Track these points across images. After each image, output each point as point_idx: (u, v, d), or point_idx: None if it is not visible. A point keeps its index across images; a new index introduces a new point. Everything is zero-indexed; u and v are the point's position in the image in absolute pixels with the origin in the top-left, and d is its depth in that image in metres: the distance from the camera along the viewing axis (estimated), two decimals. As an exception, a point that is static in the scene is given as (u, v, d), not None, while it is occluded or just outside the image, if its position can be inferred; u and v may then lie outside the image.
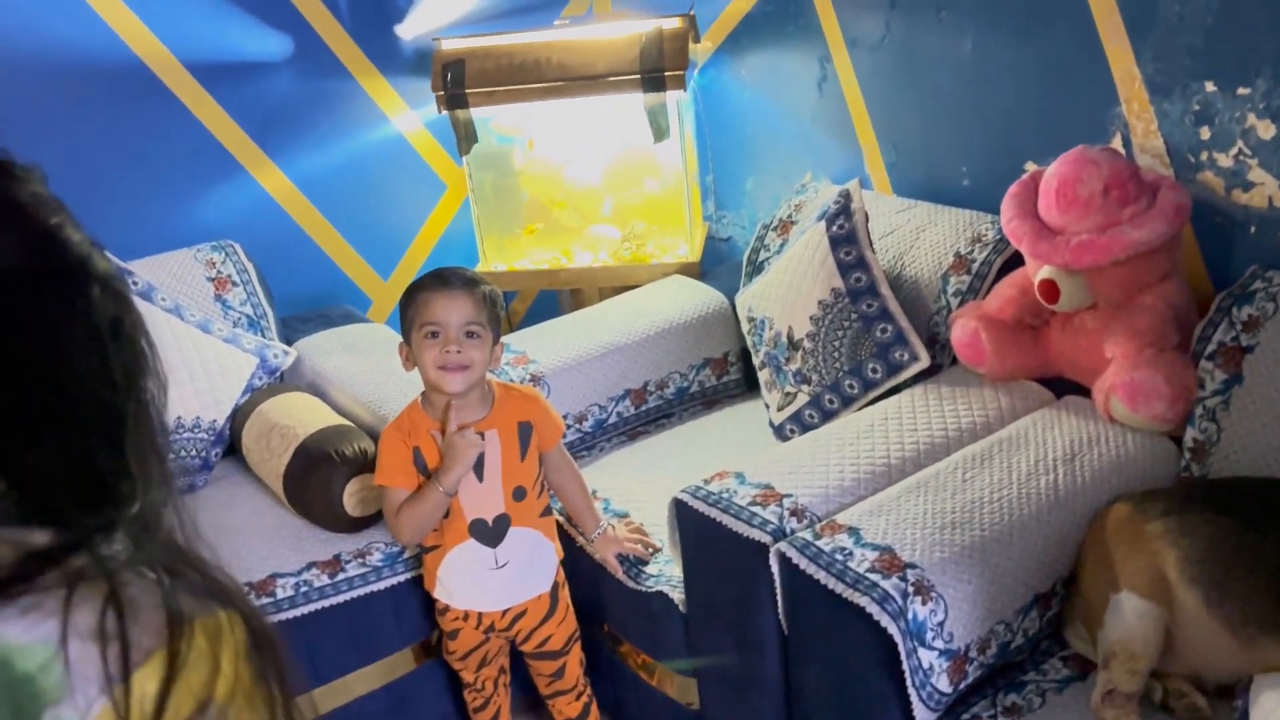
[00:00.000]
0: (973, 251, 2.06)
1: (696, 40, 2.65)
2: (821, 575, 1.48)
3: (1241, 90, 1.75)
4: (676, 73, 2.46)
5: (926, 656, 1.42)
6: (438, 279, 1.72)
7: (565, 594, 1.91)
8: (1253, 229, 1.80)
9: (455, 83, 2.54)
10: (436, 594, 1.85)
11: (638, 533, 1.95)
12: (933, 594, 1.43)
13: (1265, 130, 1.74)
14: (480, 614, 1.84)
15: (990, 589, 1.49)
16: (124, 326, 0.67)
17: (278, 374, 2.35)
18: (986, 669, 1.51)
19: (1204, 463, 1.67)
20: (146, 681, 0.60)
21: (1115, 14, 1.88)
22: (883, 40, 2.31)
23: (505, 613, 1.84)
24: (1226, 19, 1.74)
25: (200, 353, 2.23)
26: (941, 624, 1.44)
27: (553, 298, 3.07)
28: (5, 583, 0.59)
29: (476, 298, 1.71)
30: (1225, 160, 1.81)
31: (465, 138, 2.62)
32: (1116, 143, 1.94)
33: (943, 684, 1.45)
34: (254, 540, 2.02)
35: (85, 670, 0.59)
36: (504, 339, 2.00)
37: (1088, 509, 1.61)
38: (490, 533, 1.78)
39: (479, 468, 1.75)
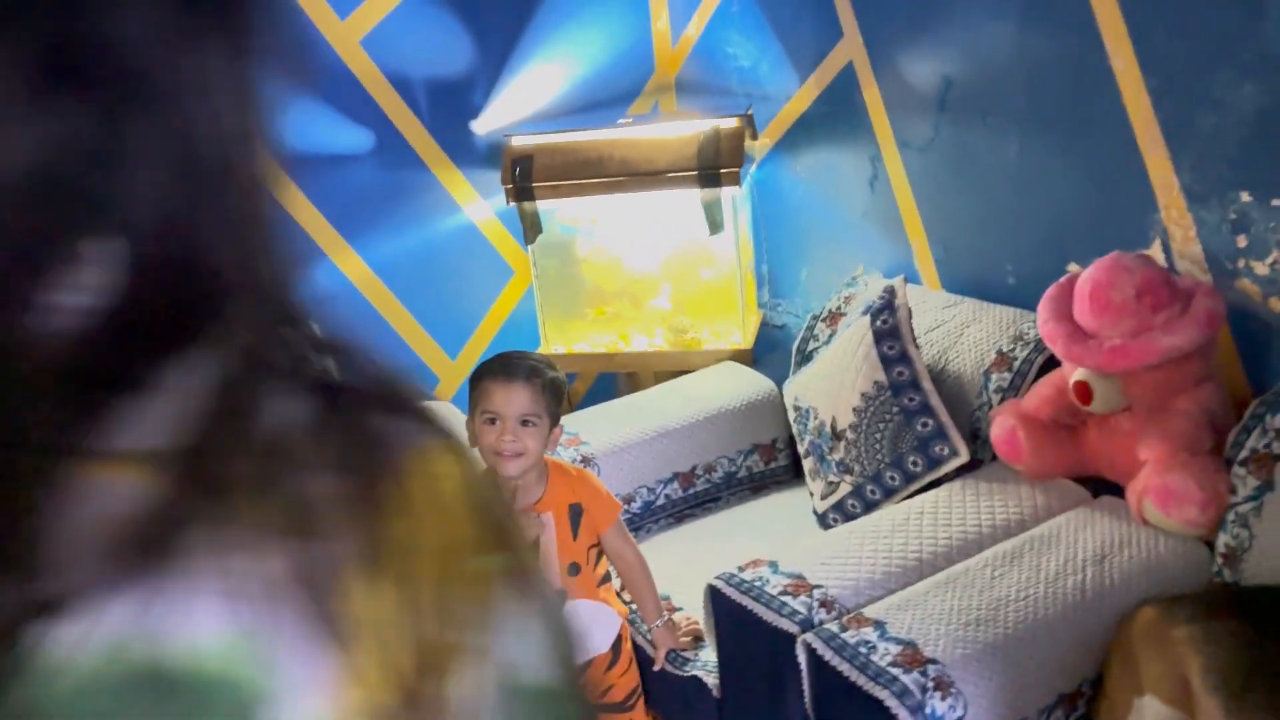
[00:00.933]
0: (1014, 349, 2.10)
1: (754, 138, 2.76)
2: (845, 668, 1.52)
3: (1276, 201, 1.79)
4: (732, 170, 2.57)
5: (945, 754, 1.45)
6: (502, 368, 1.80)
7: (628, 647, 1.96)
8: (1290, 336, 1.82)
9: (523, 176, 2.68)
10: None
11: (694, 628, 2.00)
12: (953, 690, 1.47)
13: (1300, 240, 1.77)
14: None
15: (1013, 687, 1.52)
16: None
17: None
18: (1010, 769, 1.53)
19: (1236, 568, 1.67)
20: (368, 605, 0.41)
21: (1154, 124, 1.94)
22: (932, 142, 2.39)
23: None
24: (1261, 131, 1.78)
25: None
26: (961, 719, 1.47)
27: (611, 379, 3.17)
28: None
29: (535, 388, 1.79)
30: (1262, 268, 1.84)
31: (531, 227, 2.76)
32: (1156, 248, 1.98)
33: (962, 782, 1.47)
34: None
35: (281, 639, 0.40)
36: (563, 419, 2.08)
37: (1116, 611, 1.63)
38: None
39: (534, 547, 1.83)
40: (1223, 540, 1.69)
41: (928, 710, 1.44)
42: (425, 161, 2.84)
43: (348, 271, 2.80)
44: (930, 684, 1.46)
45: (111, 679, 0.38)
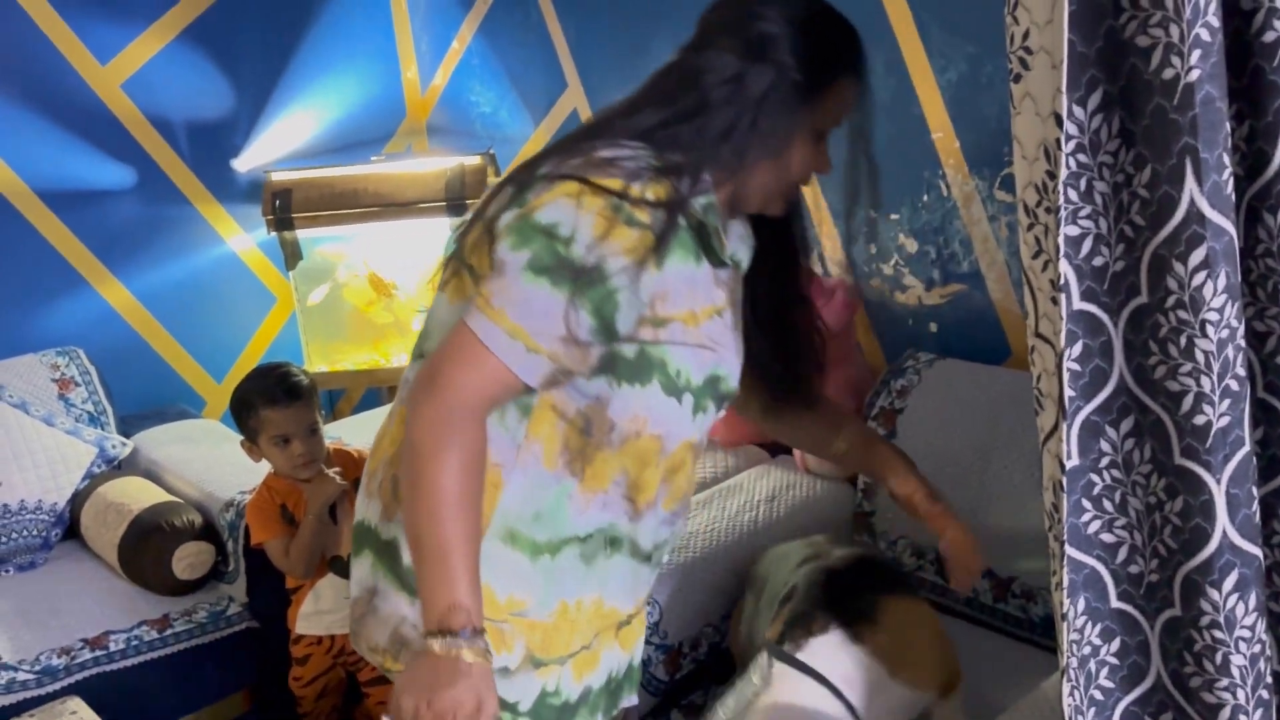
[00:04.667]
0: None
1: (497, 174, 3.12)
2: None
3: (893, 215, 2.30)
4: (475, 200, 2.91)
5: (645, 650, 1.81)
6: (280, 393, 1.98)
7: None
8: (910, 321, 2.33)
9: (283, 208, 2.92)
10: (298, 629, 2.09)
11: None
12: (651, 599, 1.83)
13: (912, 246, 2.29)
14: (334, 636, 2.09)
15: (699, 599, 1.90)
16: None
17: (115, 462, 2.62)
18: (700, 664, 1.91)
19: (873, 499, 2.14)
20: None
21: (806, 157, 2.42)
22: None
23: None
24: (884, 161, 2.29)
25: (43, 443, 2.49)
26: (657, 624, 1.83)
27: (377, 394, 3.42)
28: None
29: (309, 397, 2.02)
30: (888, 269, 2.35)
31: (291, 255, 2.99)
32: (814, 256, 2.46)
33: (660, 673, 1.84)
34: (89, 603, 2.27)
35: None
36: (328, 428, 2.30)
37: (783, 537, 2.05)
38: (345, 567, 1.98)
39: (331, 512, 2.04)
40: (861, 479, 2.16)
41: (630, 616, 1.80)
42: (187, 196, 3.04)
43: (112, 300, 2.95)
44: (632, 597, 1.82)
45: None
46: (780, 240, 1.39)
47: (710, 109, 1.21)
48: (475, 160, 2.99)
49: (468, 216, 1.28)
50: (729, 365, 1.30)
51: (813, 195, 2.42)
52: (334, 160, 3.15)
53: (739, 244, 1.32)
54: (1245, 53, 1.02)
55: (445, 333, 1.21)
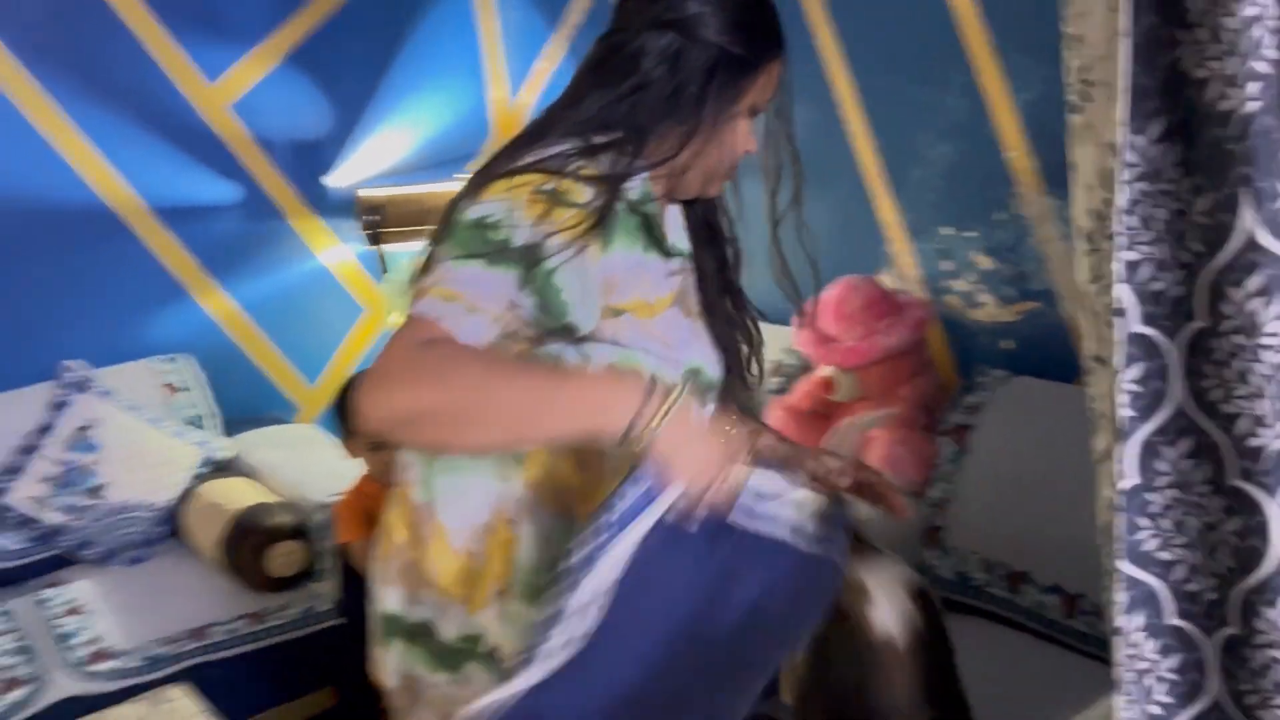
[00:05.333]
0: (784, 359, 2.58)
1: (578, 190, 3.20)
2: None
3: (968, 233, 2.32)
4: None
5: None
6: None
7: None
8: (983, 337, 2.35)
9: (376, 224, 3.05)
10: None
11: None
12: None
13: (986, 263, 2.31)
14: None
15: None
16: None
17: (219, 465, 2.76)
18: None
19: (944, 514, 2.16)
20: None
21: (881, 176, 2.46)
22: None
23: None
24: (953, 181, 2.32)
25: (151, 445, 2.65)
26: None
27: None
28: None
29: None
30: (963, 286, 2.37)
31: (382, 268, 3.12)
32: (889, 273, 2.50)
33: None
34: (191, 597, 2.41)
35: None
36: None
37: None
38: None
39: None
40: (932, 493, 2.18)
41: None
42: (284, 212, 3.18)
43: (213, 309, 3.10)
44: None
45: None
46: (707, 232, 1.37)
47: (651, 86, 1.17)
48: (558, 177, 3.07)
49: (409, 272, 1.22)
50: (701, 355, 1.29)
51: (890, 214, 2.46)
52: (423, 177, 3.27)
53: (679, 234, 1.30)
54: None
55: None
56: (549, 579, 1.10)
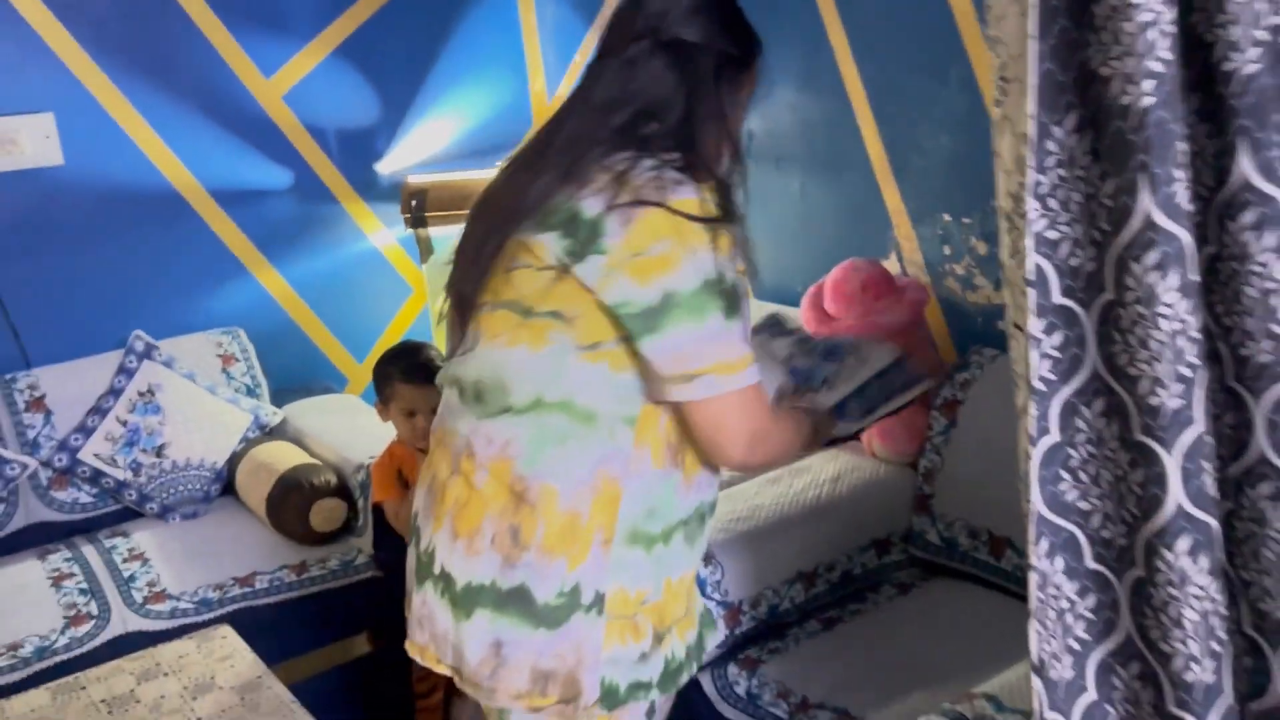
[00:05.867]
0: (796, 337, 2.72)
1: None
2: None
3: (966, 220, 2.44)
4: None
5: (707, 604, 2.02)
6: (410, 373, 2.23)
7: None
8: (979, 319, 2.47)
9: (419, 208, 3.25)
10: None
11: None
12: (714, 560, 2.04)
13: (982, 248, 2.43)
14: None
15: (761, 563, 2.10)
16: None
17: (267, 429, 2.98)
18: (758, 622, 2.10)
19: (932, 482, 2.29)
20: None
21: (887, 165, 2.59)
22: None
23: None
24: (952, 170, 2.44)
25: (207, 409, 2.87)
26: (719, 581, 2.04)
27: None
28: None
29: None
30: (960, 270, 2.49)
31: (425, 250, 3.32)
32: (893, 257, 2.63)
33: (720, 626, 2.04)
34: (240, 548, 2.63)
35: None
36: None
37: (844, 516, 2.23)
38: None
39: None
40: (922, 464, 2.31)
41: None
42: (336, 196, 3.40)
43: (270, 287, 3.33)
44: (698, 558, 2.03)
45: None
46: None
47: (675, 98, 1.39)
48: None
49: (448, 255, 1.53)
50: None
51: (895, 200, 2.59)
52: (465, 165, 3.46)
53: None
54: (1211, 79, 1.18)
55: (538, 384, 1.36)
56: (649, 524, 1.39)
